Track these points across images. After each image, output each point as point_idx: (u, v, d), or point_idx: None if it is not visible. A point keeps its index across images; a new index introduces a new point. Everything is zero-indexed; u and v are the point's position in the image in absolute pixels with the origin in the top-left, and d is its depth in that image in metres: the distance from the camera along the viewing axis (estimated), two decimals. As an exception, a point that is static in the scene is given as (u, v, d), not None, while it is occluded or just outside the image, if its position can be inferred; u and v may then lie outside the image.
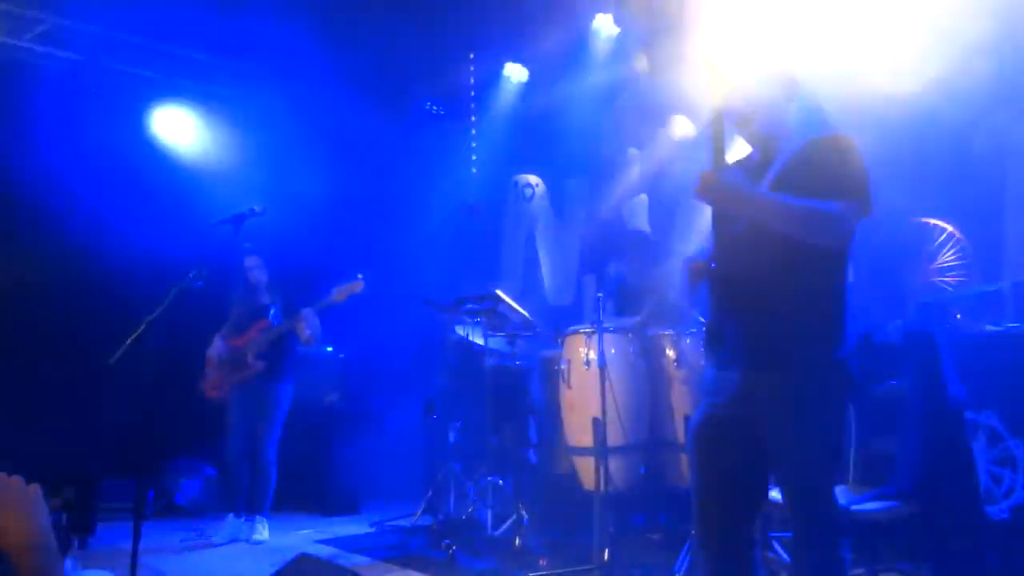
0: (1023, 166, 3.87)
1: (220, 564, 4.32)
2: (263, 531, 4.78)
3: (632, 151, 5.88)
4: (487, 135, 6.74)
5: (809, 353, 2.09)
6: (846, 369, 2.11)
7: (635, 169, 5.81)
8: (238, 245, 4.36)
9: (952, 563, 2.87)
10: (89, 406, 5.26)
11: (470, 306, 4.72)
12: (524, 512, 4.34)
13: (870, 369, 2.97)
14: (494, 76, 6.44)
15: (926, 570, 3.07)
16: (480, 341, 4.90)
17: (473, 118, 6.76)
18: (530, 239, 6.62)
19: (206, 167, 6.36)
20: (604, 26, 5.69)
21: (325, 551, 4.45)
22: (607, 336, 4.11)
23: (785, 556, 3.29)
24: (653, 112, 5.50)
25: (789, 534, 2.43)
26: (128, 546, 3.00)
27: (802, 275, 2.08)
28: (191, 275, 3.44)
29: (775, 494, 2.35)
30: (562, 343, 4.53)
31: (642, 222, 5.79)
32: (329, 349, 6.34)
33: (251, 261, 5.02)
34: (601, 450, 3.76)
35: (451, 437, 4.95)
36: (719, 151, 2.17)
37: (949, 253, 3.93)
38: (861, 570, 2.90)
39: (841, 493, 2.40)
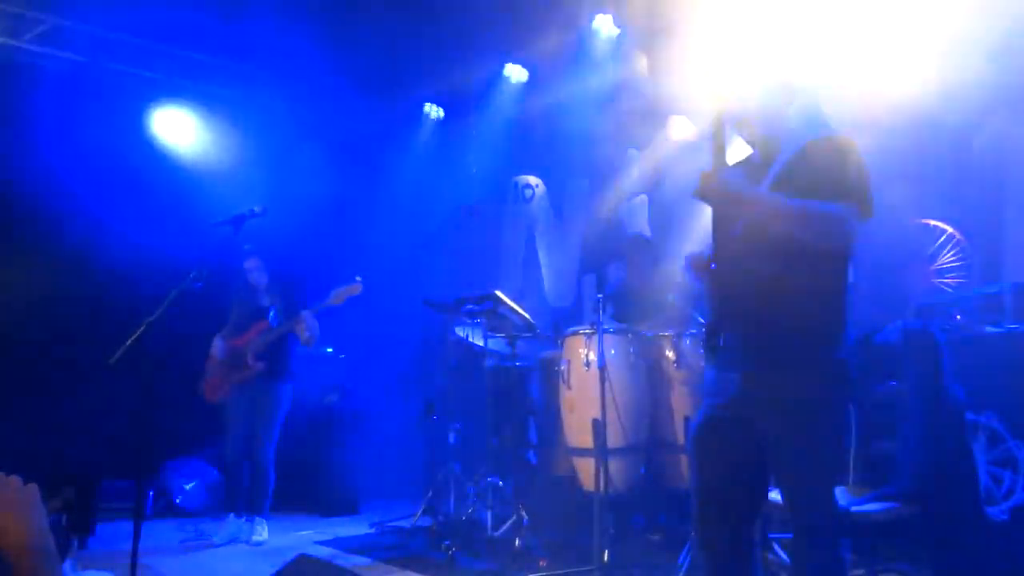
0: (1023, 167, 3.87)
1: (220, 565, 4.32)
2: (262, 532, 4.78)
3: (632, 152, 5.88)
4: (487, 136, 6.74)
5: (809, 354, 2.09)
6: (846, 370, 2.11)
7: (635, 170, 5.81)
8: (238, 246, 4.36)
9: (952, 564, 2.88)
10: (89, 406, 5.26)
11: (470, 307, 4.71)
12: (524, 513, 4.33)
13: (870, 370, 2.96)
14: (494, 76, 6.45)
15: (926, 571, 3.07)
16: (480, 342, 4.90)
17: (473, 119, 6.76)
18: (530, 240, 6.62)
19: (206, 168, 6.37)
20: (604, 26, 5.69)
21: (324, 552, 4.45)
22: (607, 337, 4.11)
23: (785, 557, 3.29)
24: (653, 113, 5.50)
25: (789, 535, 2.43)
26: (128, 546, 3.00)
27: (802, 276, 2.08)
28: (191, 276, 3.44)
29: (775, 495, 2.35)
30: (562, 344, 4.53)
31: (642, 223, 5.79)
32: (329, 349, 6.34)
33: (251, 263, 5.03)
34: (601, 451, 3.76)
35: (451, 438, 4.95)
36: (719, 152, 2.17)
37: (949, 254, 3.93)
38: (861, 571, 2.91)
39: (841, 494, 2.40)
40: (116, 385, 4.04)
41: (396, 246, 6.57)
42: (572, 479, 4.43)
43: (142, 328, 3.30)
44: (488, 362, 4.83)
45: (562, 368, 4.41)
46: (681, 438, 4.16)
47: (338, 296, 4.76)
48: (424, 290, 5.28)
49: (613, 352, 4.21)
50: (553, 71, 5.97)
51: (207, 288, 3.46)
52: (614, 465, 4.01)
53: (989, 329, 3.13)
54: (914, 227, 4.02)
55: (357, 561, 4.19)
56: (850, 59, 3.95)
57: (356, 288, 4.75)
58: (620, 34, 5.66)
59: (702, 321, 3.68)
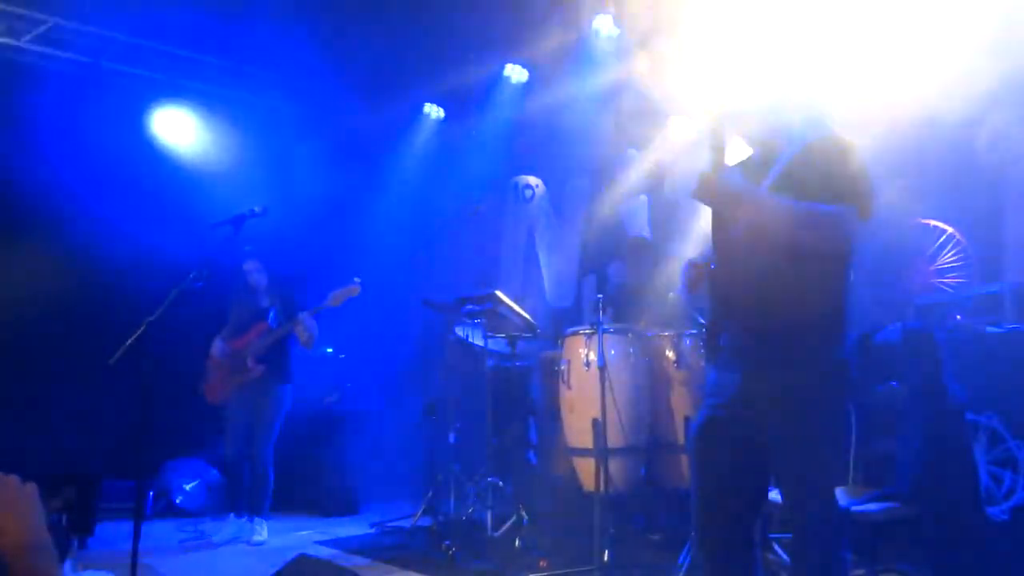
0: (1023, 168, 3.87)
1: (220, 565, 4.32)
2: (262, 532, 4.78)
3: (632, 152, 5.88)
4: (487, 136, 6.74)
5: (809, 354, 2.09)
6: (846, 370, 2.11)
7: (635, 170, 5.81)
8: (238, 246, 4.36)
9: (952, 564, 2.87)
10: (89, 406, 5.26)
11: (470, 307, 4.72)
12: (524, 513, 4.34)
13: (870, 370, 2.96)
14: (494, 76, 6.45)
15: (926, 571, 3.07)
16: (480, 342, 4.90)
17: (473, 119, 6.76)
18: (530, 240, 6.62)
19: (206, 168, 6.37)
20: (604, 26, 5.69)
21: (325, 552, 4.45)
22: (607, 337, 4.11)
23: (785, 557, 3.29)
24: (653, 113, 5.50)
25: (789, 535, 2.43)
26: (128, 546, 3.00)
27: (802, 276, 2.08)
28: (191, 276, 3.44)
29: (775, 495, 2.35)
30: (562, 344, 4.53)
31: (642, 224, 5.79)
32: (329, 350, 6.35)
33: (250, 264, 5.03)
34: (601, 451, 3.76)
35: (451, 438, 4.95)
36: (719, 153, 2.17)
37: (949, 254, 3.92)
38: (861, 571, 2.90)
39: (841, 494, 2.40)
40: (116, 385, 4.05)
41: (396, 246, 6.57)
42: (572, 479, 4.42)
43: (142, 328, 3.31)
44: (488, 362, 4.83)
45: (562, 368, 4.41)
46: (681, 438, 4.16)
47: (336, 298, 4.76)
48: (424, 290, 5.28)
49: (613, 352, 4.21)
50: (553, 71, 5.97)
51: (207, 288, 3.46)
52: (614, 465, 4.01)
53: (989, 329, 3.13)
54: (914, 227, 4.02)
55: (357, 561, 4.19)
56: (850, 59, 3.94)
57: (354, 289, 4.76)
58: (620, 34, 5.66)
59: (702, 321, 3.68)
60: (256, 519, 4.81)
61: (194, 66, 6.31)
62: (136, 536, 3.00)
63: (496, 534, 4.39)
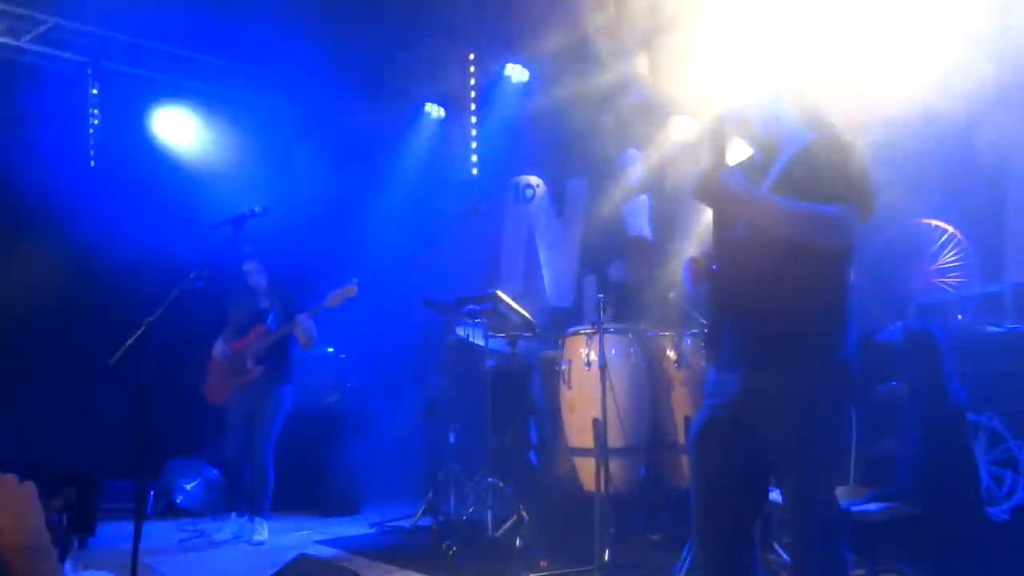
0: (1024, 167, 3.87)
1: (220, 564, 4.32)
2: (263, 532, 4.78)
3: (633, 152, 5.87)
4: (488, 136, 6.74)
5: (810, 354, 2.08)
6: (847, 370, 2.10)
7: (636, 170, 5.80)
8: (239, 246, 4.36)
9: (953, 564, 2.87)
10: (90, 406, 5.26)
11: (470, 307, 4.72)
12: (524, 513, 4.33)
13: (871, 370, 2.96)
14: (495, 76, 6.44)
15: (927, 571, 3.06)
16: (480, 342, 4.90)
17: (474, 119, 6.75)
18: (530, 240, 6.61)
19: (207, 168, 6.37)
20: (604, 26, 5.68)
21: (325, 551, 4.45)
22: (608, 337, 4.11)
23: (786, 557, 3.28)
24: (654, 112, 5.49)
25: (789, 535, 2.43)
26: (128, 546, 3.00)
27: (803, 276, 2.08)
28: (192, 276, 3.44)
29: (775, 495, 2.35)
30: (562, 344, 4.53)
31: (643, 223, 5.78)
32: (329, 350, 6.34)
33: (250, 266, 5.03)
34: (602, 451, 3.75)
35: (451, 438, 4.95)
36: (719, 152, 2.17)
37: (950, 254, 3.92)
38: (862, 571, 2.90)
39: (841, 494, 2.40)
40: (117, 385, 4.05)
41: (396, 246, 6.56)
42: (572, 479, 4.42)
43: (143, 328, 3.31)
44: (488, 362, 4.83)
45: (562, 368, 4.41)
46: (682, 438, 4.16)
47: (334, 298, 4.77)
48: (424, 290, 5.27)
49: (614, 352, 4.20)
50: (554, 71, 5.97)
51: (208, 288, 3.46)
52: (614, 465, 4.01)
53: (990, 329, 3.13)
54: (915, 227, 4.01)
55: (357, 561, 4.19)
56: (851, 58, 3.94)
57: (352, 290, 4.76)
58: (620, 34, 5.65)
59: (703, 321, 3.68)
60: (256, 519, 4.81)
61: (194, 66, 6.32)
62: (137, 536, 3.00)
63: (496, 534, 4.39)
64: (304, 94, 6.65)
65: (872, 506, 2.73)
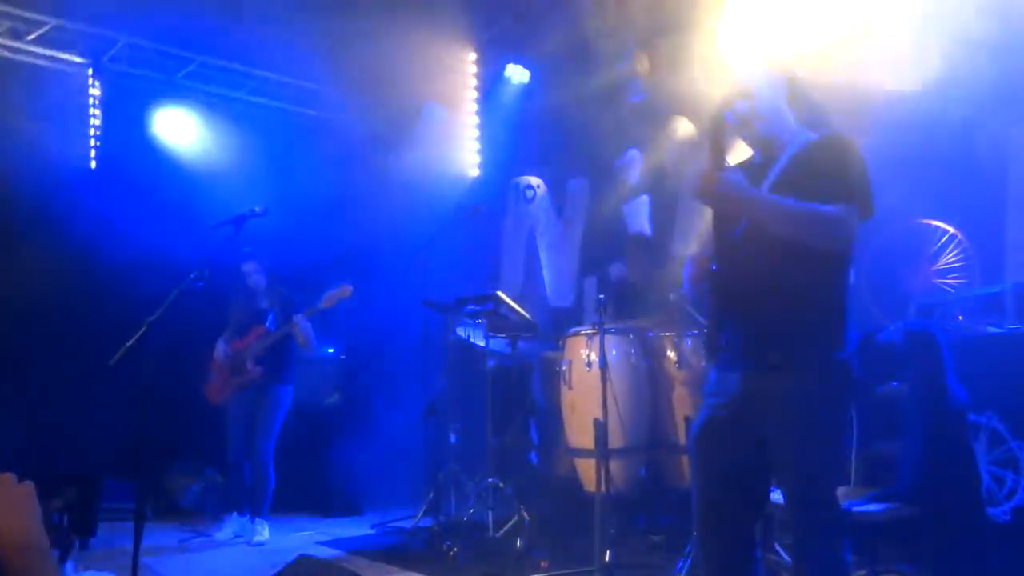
0: (1024, 167, 3.87)
1: (220, 565, 4.32)
2: (263, 532, 4.78)
3: (633, 152, 5.87)
4: (488, 136, 6.73)
5: (810, 354, 2.09)
6: (848, 370, 2.11)
7: (636, 170, 5.80)
8: (239, 246, 4.36)
9: (953, 565, 2.87)
10: (91, 407, 5.26)
11: (471, 307, 4.72)
12: (525, 514, 4.33)
13: (871, 370, 2.96)
14: (495, 77, 6.44)
15: (927, 572, 3.06)
16: (480, 342, 4.90)
17: (474, 119, 6.74)
18: (531, 240, 6.61)
19: (207, 168, 6.36)
20: (605, 27, 5.68)
21: (326, 552, 4.45)
22: (608, 337, 4.11)
23: (786, 557, 3.28)
24: (654, 113, 5.49)
25: (790, 535, 2.43)
26: (128, 546, 3.00)
27: (803, 277, 2.08)
28: (192, 276, 3.44)
29: (776, 495, 2.35)
30: (563, 344, 4.53)
31: (643, 224, 5.78)
32: (330, 350, 6.34)
33: (249, 266, 5.03)
34: (602, 451, 3.75)
35: (452, 438, 4.95)
36: (719, 153, 2.17)
37: (950, 254, 3.92)
38: (862, 572, 2.90)
39: (842, 494, 2.40)
40: (118, 385, 4.05)
41: (396, 246, 6.56)
42: (573, 479, 4.42)
43: (143, 328, 3.31)
44: (489, 362, 4.83)
45: (563, 368, 4.41)
46: (682, 438, 4.16)
47: (329, 299, 4.78)
48: (424, 290, 5.26)
49: (614, 352, 4.20)
50: (555, 71, 5.97)
51: (208, 288, 3.46)
52: (615, 465, 4.01)
53: (990, 329, 3.13)
54: (915, 227, 4.01)
55: (358, 561, 4.19)
56: (851, 59, 3.94)
57: (346, 290, 4.77)
58: (621, 34, 5.65)
59: (704, 321, 3.68)
60: (257, 519, 4.81)
61: (195, 66, 6.31)
62: (137, 536, 3.00)
63: (497, 534, 4.39)
64: (304, 94, 6.64)
65: (873, 507, 2.73)
